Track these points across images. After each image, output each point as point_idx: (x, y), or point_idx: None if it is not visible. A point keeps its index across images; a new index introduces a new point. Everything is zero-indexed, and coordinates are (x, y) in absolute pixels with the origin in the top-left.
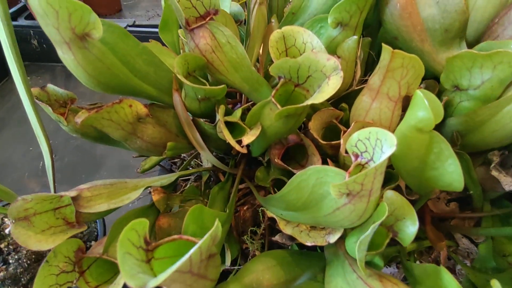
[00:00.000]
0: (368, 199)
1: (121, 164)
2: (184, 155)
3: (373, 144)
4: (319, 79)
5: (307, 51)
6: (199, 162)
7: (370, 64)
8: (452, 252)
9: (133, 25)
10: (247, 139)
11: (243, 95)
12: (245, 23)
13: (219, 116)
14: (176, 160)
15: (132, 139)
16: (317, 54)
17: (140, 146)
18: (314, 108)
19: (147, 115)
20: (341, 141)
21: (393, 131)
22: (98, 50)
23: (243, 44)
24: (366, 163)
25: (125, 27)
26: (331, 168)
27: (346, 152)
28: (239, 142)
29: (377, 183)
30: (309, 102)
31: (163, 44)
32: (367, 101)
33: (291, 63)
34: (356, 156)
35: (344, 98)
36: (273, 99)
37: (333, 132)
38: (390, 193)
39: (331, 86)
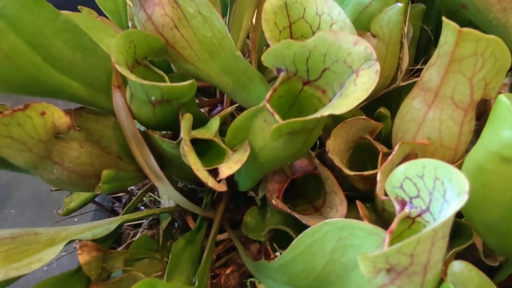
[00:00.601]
0: (423, 278)
1: (38, 196)
2: (133, 187)
3: (430, 186)
4: (341, 75)
5: (323, 28)
6: (157, 198)
7: (423, 45)
8: None
9: None
10: (227, 169)
11: (226, 95)
12: None
13: (182, 132)
14: (121, 194)
15: (45, 166)
16: (337, 34)
17: (59, 177)
18: (336, 117)
19: (69, 128)
20: (379, 175)
21: (460, 156)
22: None
23: (226, 15)
24: (419, 215)
25: None
26: (360, 225)
27: (386, 194)
28: (215, 173)
29: (436, 252)
30: (325, 112)
31: (102, 14)
32: (420, 108)
33: (297, 48)
34: (403, 203)
35: (384, 99)
36: (268, 105)
37: (366, 153)
38: (459, 266)
39: (360, 86)
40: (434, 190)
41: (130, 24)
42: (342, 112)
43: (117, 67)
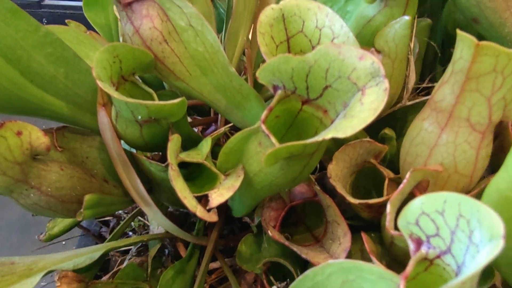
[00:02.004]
0: None
1: (25, 218)
2: (120, 211)
3: (452, 224)
4: (345, 93)
5: (324, 42)
6: (147, 222)
7: (429, 62)
8: None
9: None
10: (218, 196)
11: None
12: None
13: (169, 156)
14: (109, 218)
15: (21, 190)
16: (341, 48)
17: (36, 202)
18: (338, 139)
19: (48, 149)
20: (388, 206)
21: (475, 183)
22: None
23: (222, 30)
24: (438, 257)
25: (41, 0)
26: (369, 267)
27: (397, 228)
28: (205, 201)
29: None
30: (327, 135)
31: (90, 28)
32: (432, 131)
33: (296, 63)
34: (418, 242)
35: (388, 119)
36: (263, 126)
37: (370, 177)
38: None
39: (367, 106)
40: (457, 229)
41: (121, 39)
42: (347, 135)
43: (99, 83)
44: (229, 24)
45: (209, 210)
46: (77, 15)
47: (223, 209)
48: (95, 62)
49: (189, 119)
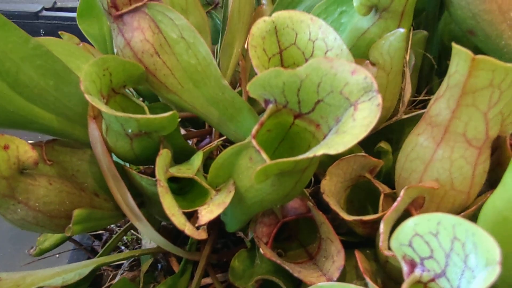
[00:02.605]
0: None
1: (17, 230)
2: (113, 225)
3: (447, 247)
4: (337, 108)
5: (317, 55)
6: (139, 236)
7: (426, 74)
8: None
9: (53, 8)
10: (208, 213)
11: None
12: (223, 6)
13: (157, 171)
14: (101, 232)
15: (7, 205)
16: (333, 62)
17: (23, 217)
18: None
19: (36, 163)
20: (381, 225)
21: (473, 200)
22: None
23: (218, 41)
24: (432, 280)
25: (39, 12)
26: None
27: (390, 248)
28: (195, 218)
29: None
30: (318, 152)
31: (85, 40)
32: (428, 146)
33: (287, 77)
34: (412, 264)
35: (384, 132)
36: (254, 142)
37: (365, 192)
38: None
39: (359, 122)
40: (452, 252)
41: (115, 51)
42: (339, 152)
43: (87, 97)
44: (224, 35)
45: (198, 227)
46: (74, 26)
47: (216, 223)
48: (84, 76)
49: (183, 131)
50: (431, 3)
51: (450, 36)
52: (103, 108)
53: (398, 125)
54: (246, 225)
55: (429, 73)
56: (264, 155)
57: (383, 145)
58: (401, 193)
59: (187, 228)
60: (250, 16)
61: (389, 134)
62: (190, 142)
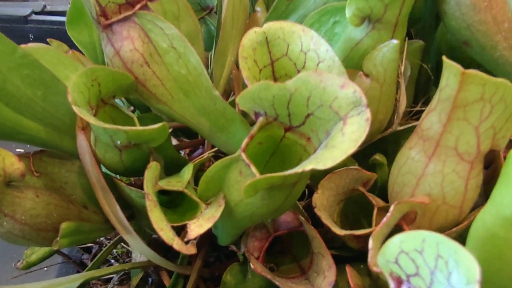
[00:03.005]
0: None
1: (4, 242)
2: (103, 238)
3: (431, 265)
4: (327, 121)
5: (309, 66)
6: (129, 248)
7: (423, 85)
8: None
9: (43, 12)
10: (197, 227)
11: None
12: (217, 12)
13: (145, 185)
14: (91, 245)
15: None
16: (322, 76)
17: (10, 230)
18: None
19: (23, 175)
20: (370, 241)
21: (466, 214)
22: None
23: (212, 48)
24: None
25: (28, 15)
26: None
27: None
28: (185, 232)
29: None
30: (307, 166)
31: (74, 46)
32: (419, 160)
33: (276, 90)
34: (398, 281)
35: (379, 144)
36: (243, 155)
37: (359, 205)
38: None
39: (348, 136)
40: (436, 269)
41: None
42: (327, 167)
43: (75, 108)
44: (217, 43)
45: (188, 242)
46: (64, 31)
47: (208, 236)
48: (71, 87)
49: (175, 141)
50: (427, 12)
51: (447, 46)
52: (91, 120)
53: (393, 136)
54: (239, 238)
55: (426, 84)
56: (253, 169)
57: (378, 157)
58: (391, 208)
59: (176, 243)
60: (244, 24)
61: (384, 146)
62: (182, 152)
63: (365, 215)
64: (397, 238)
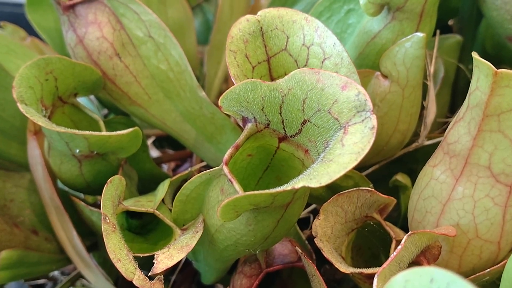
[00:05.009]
0: None
1: None
2: (57, 272)
3: None
4: (326, 130)
5: (313, 64)
6: (92, 287)
7: (461, 89)
8: None
9: None
10: (166, 259)
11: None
12: None
13: (102, 204)
14: (43, 282)
15: None
16: (319, 74)
17: None
18: (332, 186)
19: None
20: (375, 280)
21: (507, 252)
22: None
23: (208, 39)
24: None
25: None
26: None
27: None
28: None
29: None
30: (297, 184)
31: (32, 33)
32: (445, 181)
33: (266, 91)
34: None
35: (403, 162)
36: (225, 169)
37: (377, 237)
38: None
39: (349, 148)
40: None
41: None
42: (322, 184)
43: (21, 106)
44: (212, 35)
45: (152, 278)
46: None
47: (191, 273)
48: (18, 80)
49: (157, 153)
50: (466, 1)
51: (492, 43)
52: (41, 122)
53: (422, 154)
54: (229, 273)
55: (467, 88)
56: (236, 186)
57: (400, 177)
58: (403, 240)
59: (136, 278)
60: (245, 13)
61: (411, 164)
62: (166, 167)
63: (385, 250)
64: (401, 277)
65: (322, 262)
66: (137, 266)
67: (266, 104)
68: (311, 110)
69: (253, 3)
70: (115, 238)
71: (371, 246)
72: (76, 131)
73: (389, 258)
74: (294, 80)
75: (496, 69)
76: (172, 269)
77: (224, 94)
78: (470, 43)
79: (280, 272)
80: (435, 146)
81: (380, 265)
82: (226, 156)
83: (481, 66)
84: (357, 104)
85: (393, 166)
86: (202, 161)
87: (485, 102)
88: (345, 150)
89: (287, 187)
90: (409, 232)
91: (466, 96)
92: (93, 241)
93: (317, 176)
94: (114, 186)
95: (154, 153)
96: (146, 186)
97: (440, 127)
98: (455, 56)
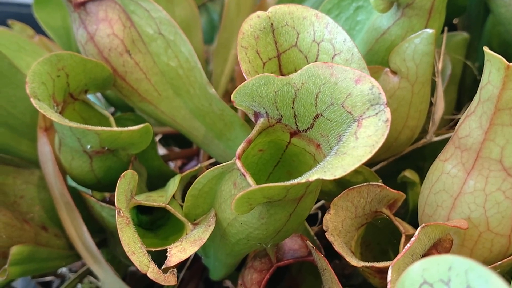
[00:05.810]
0: None
1: None
2: (65, 268)
3: None
4: (339, 124)
5: (323, 60)
6: (99, 283)
7: (468, 86)
8: None
9: None
10: (179, 252)
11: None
12: None
13: (116, 198)
14: (50, 279)
15: None
16: (333, 68)
17: None
18: (341, 181)
19: None
20: (390, 272)
21: None
22: None
23: (213, 39)
24: None
25: None
26: None
27: None
28: (160, 261)
29: None
30: (312, 177)
31: (39, 32)
32: (456, 175)
33: (279, 85)
34: None
35: (412, 158)
36: (238, 163)
37: (386, 232)
38: None
39: (363, 141)
40: None
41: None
42: (336, 177)
43: (34, 102)
44: (219, 34)
45: (166, 270)
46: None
47: (199, 268)
48: (31, 76)
49: (164, 151)
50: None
51: (499, 41)
52: (54, 117)
53: (430, 151)
54: (237, 270)
55: (473, 86)
56: (249, 179)
57: (408, 174)
58: (417, 232)
59: (150, 271)
60: (251, 11)
61: (418, 161)
62: (172, 164)
63: (393, 246)
64: (418, 265)
65: (331, 258)
66: (151, 259)
67: (278, 98)
68: (324, 104)
69: (259, 2)
70: (129, 231)
71: (380, 241)
72: (89, 127)
73: (403, 250)
74: (308, 74)
75: (508, 63)
76: (180, 266)
77: (237, 88)
78: (477, 41)
79: (290, 267)
80: (442, 143)
81: (389, 261)
82: (238, 150)
83: (492, 60)
84: (371, 97)
85: (401, 163)
86: (209, 158)
87: (497, 96)
88: (359, 143)
89: (302, 179)
90: (422, 224)
91: (473, 93)
92: (101, 238)
93: (331, 168)
94: (127, 180)
95: (161, 151)
96: (154, 183)
97: (447, 124)
98: (462, 54)
